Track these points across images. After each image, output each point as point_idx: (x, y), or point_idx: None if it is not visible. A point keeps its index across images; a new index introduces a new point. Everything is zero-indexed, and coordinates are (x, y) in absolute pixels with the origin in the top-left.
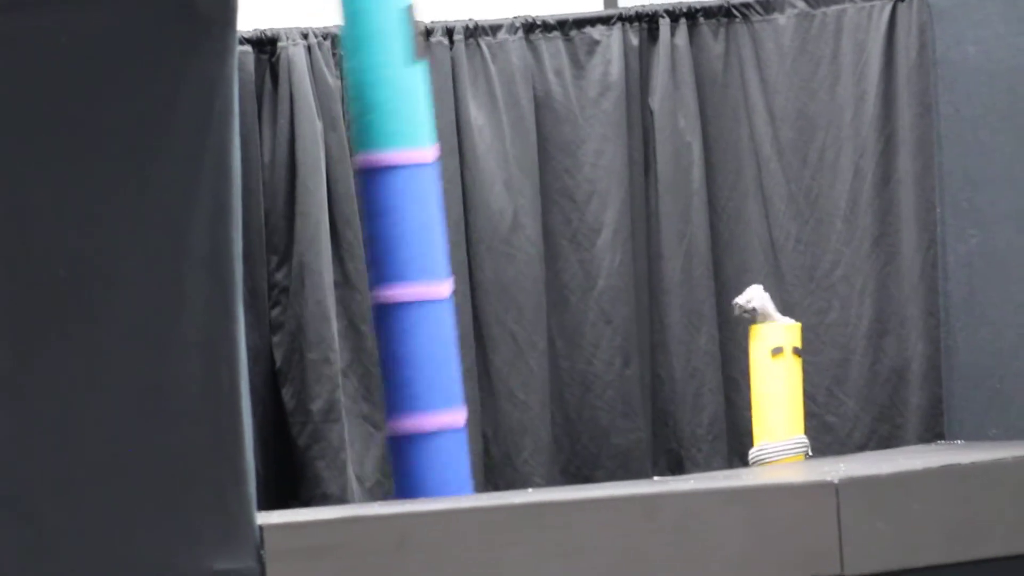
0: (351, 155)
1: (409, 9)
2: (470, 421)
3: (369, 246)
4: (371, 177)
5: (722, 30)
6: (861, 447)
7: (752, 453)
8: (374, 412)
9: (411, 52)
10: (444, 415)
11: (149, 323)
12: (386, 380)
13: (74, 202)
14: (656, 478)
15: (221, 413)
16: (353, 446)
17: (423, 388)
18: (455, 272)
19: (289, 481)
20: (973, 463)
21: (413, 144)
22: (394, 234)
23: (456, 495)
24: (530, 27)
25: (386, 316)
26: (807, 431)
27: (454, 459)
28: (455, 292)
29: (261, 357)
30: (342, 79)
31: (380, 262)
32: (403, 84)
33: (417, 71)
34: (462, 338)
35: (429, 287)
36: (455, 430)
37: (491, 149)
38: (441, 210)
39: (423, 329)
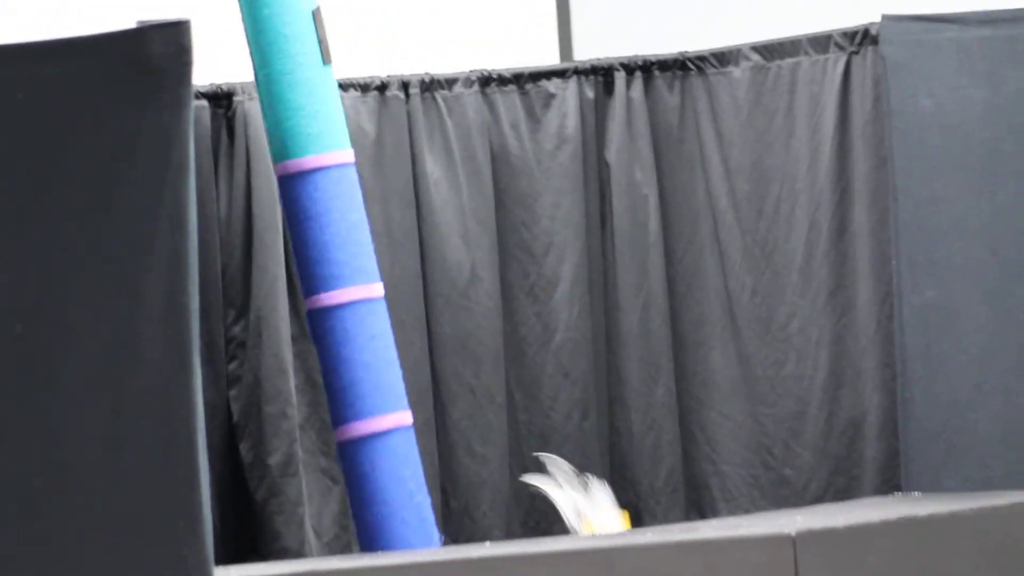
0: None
1: (316, 12)
2: (428, 474)
3: (298, 254)
4: (294, 183)
5: (677, 83)
6: (818, 499)
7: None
8: (332, 466)
9: (321, 55)
10: (392, 415)
11: (105, 378)
12: (329, 386)
13: (29, 256)
14: None
15: (178, 468)
16: (311, 500)
17: (368, 390)
18: (413, 326)
19: (247, 536)
20: (930, 515)
21: (334, 147)
22: (323, 238)
23: (412, 495)
24: (486, 81)
25: (323, 321)
26: (764, 485)
27: (407, 458)
28: (412, 344)
29: (218, 411)
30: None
31: (312, 268)
32: (318, 87)
33: (329, 73)
34: (420, 392)
35: (364, 288)
36: (404, 428)
37: (448, 203)
38: (364, 212)
39: (362, 330)
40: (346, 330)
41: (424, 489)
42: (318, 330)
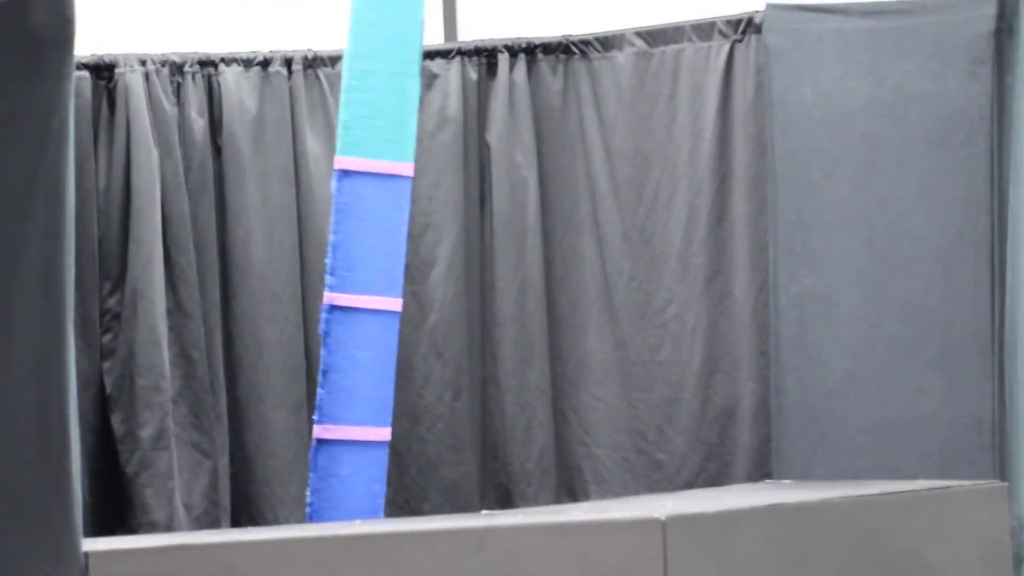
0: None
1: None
2: (301, 452)
3: (336, 248)
4: (355, 181)
5: (560, 66)
6: (690, 484)
7: None
8: (203, 440)
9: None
10: (378, 429)
11: None
12: (328, 383)
13: None
14: (484, 512)
15: (49, 438)
16: (182, 474)
17: (364, 399)
18: (288, 301)
19: (116, 508)
20: (800, 503)
21: (401, 157)
22: (366, 241)
23: (373, 509)
24: None
25: (341, 320)
26: (636, 468)
27: (379, 473)
28: (288, 321)
29: (91, 383)
30: (176, 108)
31: (345, 265)
32: (407, 96)
33: (416, 85)
34: (294, 369)
35: (388, 300)
36: (383, 444)
37: (327, 180)
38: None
39: (377, 340)
40: (370, 336)
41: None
42: (336, 326)
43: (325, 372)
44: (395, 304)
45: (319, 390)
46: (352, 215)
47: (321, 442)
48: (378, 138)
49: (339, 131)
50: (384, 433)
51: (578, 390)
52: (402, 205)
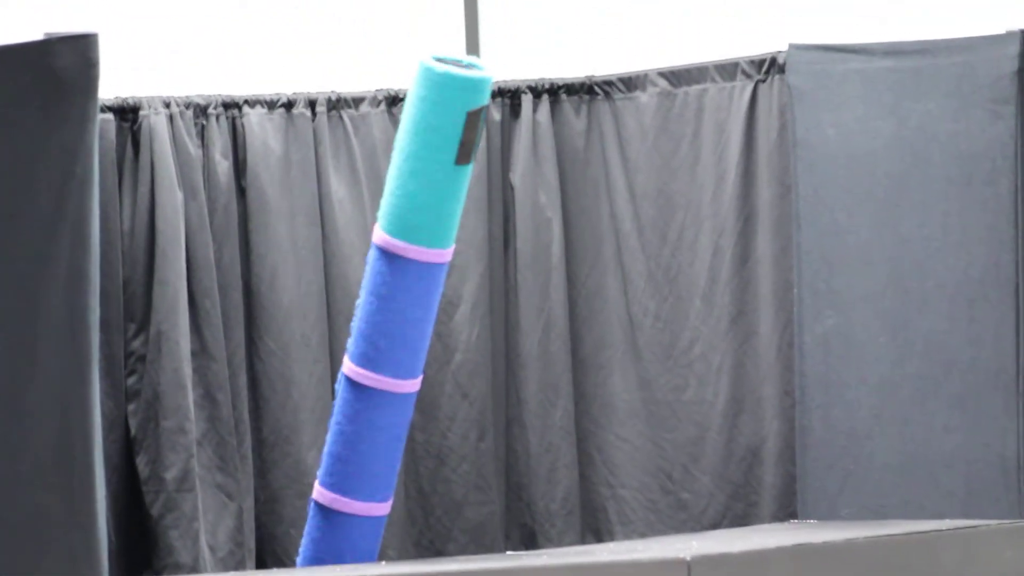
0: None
1: (471, 114)
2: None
3: (363, 320)
4: (390, 260)
5: (584, 107)
6: (715, 525)
7: None
8: (228, 482)
9: (461, 155)
10: (378, 505)
11: (2, 388)
12: (335, 453)
13: None
14: (509, 552)
15: (74, 480)
16: (206, 516)
17: (368, 474)
18: (317, 343)
19: (142, 550)
20: (826, 543)
21: (437, 244)
22: (393, 324)
23: None
24: (392, 100)
25: (356, 393)
26: (662, 509)
27: (371, 546)
28: (317, 362)
29: (116, 425)
30: (200, 150)
31: (368, 341)
32: (458, 181)
33: (459, 173)
34: (322, 409)
35: (403, 383)
36: (380, 518)
37: (352, 222)
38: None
39: (388, 420)
40: (383, 415)
41: None
42: (349, 396)
43: (330, 438)
44: (412, 386)
45: (324, 450)
46: (383, 296)
47: (317, 504)
48: (424, 223)
49: (385, 206)
50: (382, 508)
51: (603, 430)
52: (436, 290)
